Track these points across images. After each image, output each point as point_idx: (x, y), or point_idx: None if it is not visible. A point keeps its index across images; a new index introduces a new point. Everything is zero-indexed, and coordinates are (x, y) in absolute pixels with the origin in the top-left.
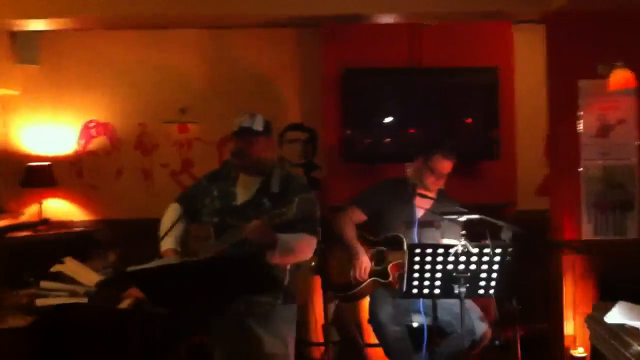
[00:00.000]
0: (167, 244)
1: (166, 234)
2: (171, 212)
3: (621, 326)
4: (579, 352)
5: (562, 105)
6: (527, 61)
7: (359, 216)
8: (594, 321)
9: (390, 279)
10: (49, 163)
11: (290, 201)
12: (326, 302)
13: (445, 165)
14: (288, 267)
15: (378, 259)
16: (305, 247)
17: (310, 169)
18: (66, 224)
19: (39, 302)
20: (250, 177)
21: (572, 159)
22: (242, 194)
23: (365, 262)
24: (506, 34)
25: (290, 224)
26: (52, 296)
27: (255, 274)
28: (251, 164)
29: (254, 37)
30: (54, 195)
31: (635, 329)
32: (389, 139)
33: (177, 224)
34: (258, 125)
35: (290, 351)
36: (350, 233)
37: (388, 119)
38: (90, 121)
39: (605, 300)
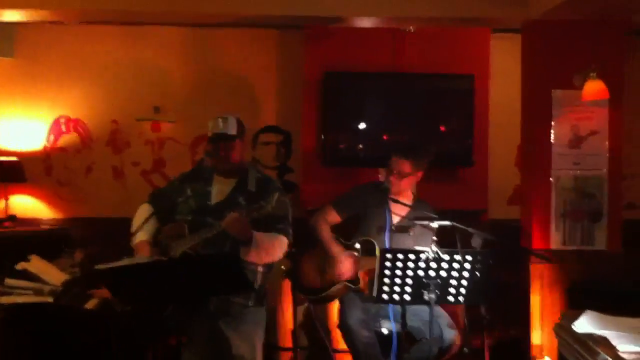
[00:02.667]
0: (140, 236)
1: (139, 229)
2: (142, 211)
3: (589, 335)
4: None
5: (536, 115)
6: (503, 69)
7: (334, 217)
8: (562, 330)
9: (361, 284)
10: (17, 160)
11: (269, 196)
12: (296, 307)
13: (403, 165)
14: (260, 269)
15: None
16: (278, 248)
17: (284, 172)
18: (33, 222)
19: (3, 299)
20: (225, 178)
21: (543, 168)
22: (216, 194)
23: (347, 261)
24: (484, 41)
25: (266, 219)
26: (16, 294)
27: (228, 273)
28: (228, 166)
29: (235, 37)
30: (21, 192)
31: (603, 337)
32: (367, 144)
33: (150, 221)
34: (232, 129)
35: (258, 354)
36: (327, 232)
37: (367, 124)
38: (61, 117)
39: (573, 310)
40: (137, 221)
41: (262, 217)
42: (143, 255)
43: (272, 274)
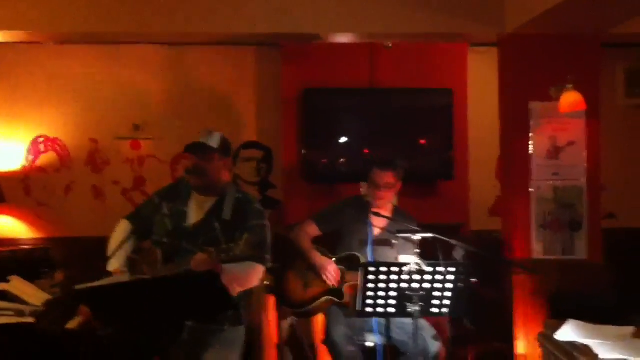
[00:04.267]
0: (114, 264)
1: (114, 253)
2: (120, 230)
3: (572, 343)
4: None
5: (514, 127)
6: (481, 83)
7: (314, 231)
8: (545, 339)
9: (345, 298)
10: None
11: (239, 235)
12: (280, 322)
13: (383, 176)
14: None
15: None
16: (252, 276)
17: (265, 187)
18: (13, 242)
19: None
20: (204, 196)
21: (523, 180)
22: (193, 215)
23: (333, 269)
24: (462, 56)
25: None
26: None
27: (209, 293)
28: (207, 182)
29: (213, 54)
30: (0, 212)
31: (586, 346)
32: (347, 159)
33: (126, 243)
34: (213, 142)
35: None
36: (307, 244)
37: (347, 139)
38: (39, 136)
39: (556, 319)
40: (113, 241)
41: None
42: (123, 275)
43: (249, 294)
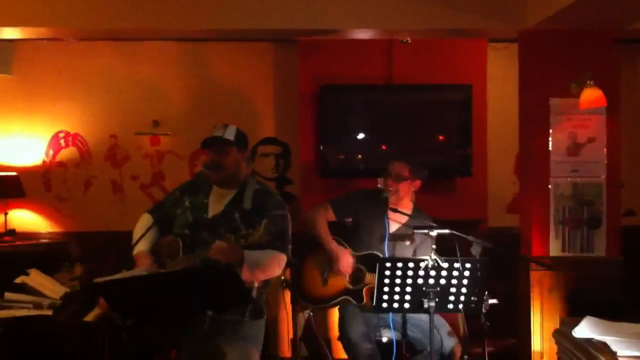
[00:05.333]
0: (140, 247)
1: (139, 240)
2: (143, 221)
3: (589, 340)
4: None
5: (533, 123)
6: (500, 79)
7: (330, 215)
8: (562, 336)
9: (365, 302)
10: (15, 174)
11: (259, 222)
12: (296, 317)
13: (397, 167)
14: (256, 284)
15: (356, 278)
16: (274, 264)
17: (283, 183)
18: (33, 236)
19: (2, 313)
20: (223, 189)
21: (542, 176)
22: (213, 207)
23: (348, 260)
24: (481, 52)
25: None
26: (15, 308)
27: (227, 286)
28: (225, 176)
29: (231, 51)
30: (21, 206)
31: (603, 343)
32: (364, 155)
33: (150, 232)
34: (229, 135)
35: None
36: (324, 229)
37: (364, 135)
38: (60, 132)
39: (572, 316)
40: (137, 232)
41: (250, 244)
42: (142, 267)
43: (270, 287)
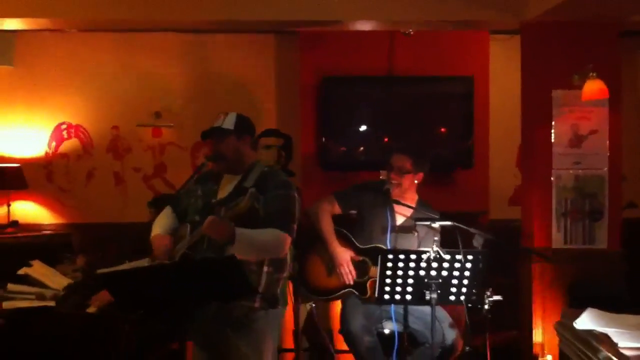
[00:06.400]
0: (155, 230)
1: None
2: (163, 212)
3: (590, 332)
4: (546, 358)
5: (536, 115)
6: (502, 71)
7: (335, 208)
8: (563, 328)
9: (368, 295)
10: (18, 167)
11: (266, 192)
12: (297, 308)
13: (399, 160)
14: (265, 269)
15: (360, 271)
16: (272, 242)
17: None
18: (35, 227)
19: (5, 304)
20: (233, 176)
21: (544, 168)
22: (221, 193)
23: (349, 267)
24: (483, 43)
25: (254, 218)
26: (18, 299)
27: (227, 277)
28: (228, 165)
29: (233, 42)
30: (23, 198)
31: (604, 334)
32: (366, 147)
33: (166, 218)
34: (228, 124)
35: (265, 358)
36: (328, 225)
37: (365, 127)
38: (62, 123)
39: (574, 308)
40: (156, 222)
41: (242, 214)
42: (160, 248)
43: (283, 275)
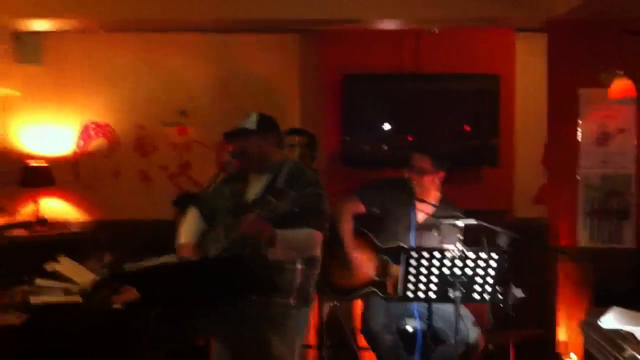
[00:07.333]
0: (183, 239)
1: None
2: (188, 216)
3: (616, 331)
4: (571, 358)
5: (562, 113)
6: (528, 69)
7: (358, 207)
8: (588, 326)
9: (389, 290)
10: (47, 165)
11: (285, 194)
12: (321, 305)
13: (422, 161)
14: (298, 266)
15: (381, 270)
16: (309, 242)
17: None
18: (62, 224)
19: (33, 299)
20: (260, 175)
21: (570, 167)
22: (251, 193)
23: (364, 266)
24: (509, 41)
25: (287, 217)
26: (46, 294)
27: (254, 275)
28: (252, 164)
29: (256, 41)
30: (51, 195)
31: (630, 333)
32: (389, 145)
33: (195, 223)
34: (250, 124)
35: (297, 356)
36: (348, 230)
37: (390, 125)
38: (90, 122)
39: (599, 307)
40: (183, 224)
41: (280, 215)
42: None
43: (316, 272)
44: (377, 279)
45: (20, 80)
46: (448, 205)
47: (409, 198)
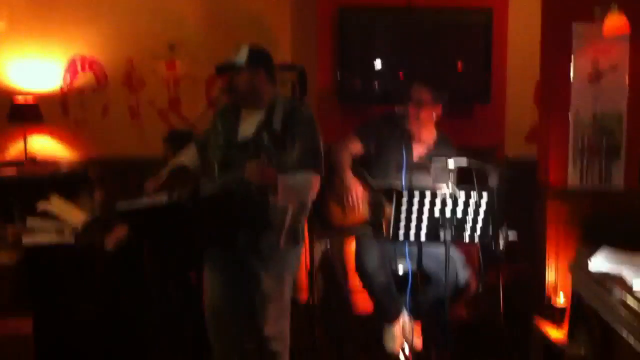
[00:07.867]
0: (175, 161)
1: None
2: (186, 150)
3: (604, 274)
4: (560, 298)
5: (556, 49)
6: (522, 3)
7: (356, 146)
8: (577, 267)
9: (383, 233)
10: (35, 103)
11: (290, 143)
12: (312, 247)
13: (422, 93)
14: (290, 206)
15: (375, 210)
16: (309, 187)
17: None
18: (52, 162)
19: (25, 240)
20: (252, 111)
21: (562, 104)
22: (243, 129)
23: (357, 192)
24: None
25: (287, 160)
26: (38, 234)
27: (245, 212)
28: (244, 98)
29: None
30: (40, 132)
31: (619, 274)
32: (383, 80)
33: (190, 152)
34: (240, 58)
35: (287, 292)
36: (346, 161)
37: (383, 60)
38: (76, 55)
39: (588, 247)
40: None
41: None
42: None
43: (306, 212)
44: (373, 218)
45: (5, 13)
46: (444, 143)
47: (402, 134)
